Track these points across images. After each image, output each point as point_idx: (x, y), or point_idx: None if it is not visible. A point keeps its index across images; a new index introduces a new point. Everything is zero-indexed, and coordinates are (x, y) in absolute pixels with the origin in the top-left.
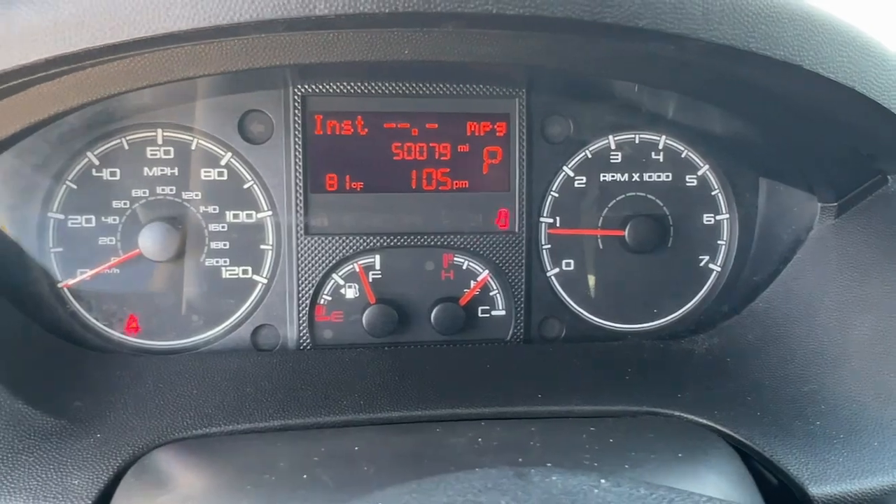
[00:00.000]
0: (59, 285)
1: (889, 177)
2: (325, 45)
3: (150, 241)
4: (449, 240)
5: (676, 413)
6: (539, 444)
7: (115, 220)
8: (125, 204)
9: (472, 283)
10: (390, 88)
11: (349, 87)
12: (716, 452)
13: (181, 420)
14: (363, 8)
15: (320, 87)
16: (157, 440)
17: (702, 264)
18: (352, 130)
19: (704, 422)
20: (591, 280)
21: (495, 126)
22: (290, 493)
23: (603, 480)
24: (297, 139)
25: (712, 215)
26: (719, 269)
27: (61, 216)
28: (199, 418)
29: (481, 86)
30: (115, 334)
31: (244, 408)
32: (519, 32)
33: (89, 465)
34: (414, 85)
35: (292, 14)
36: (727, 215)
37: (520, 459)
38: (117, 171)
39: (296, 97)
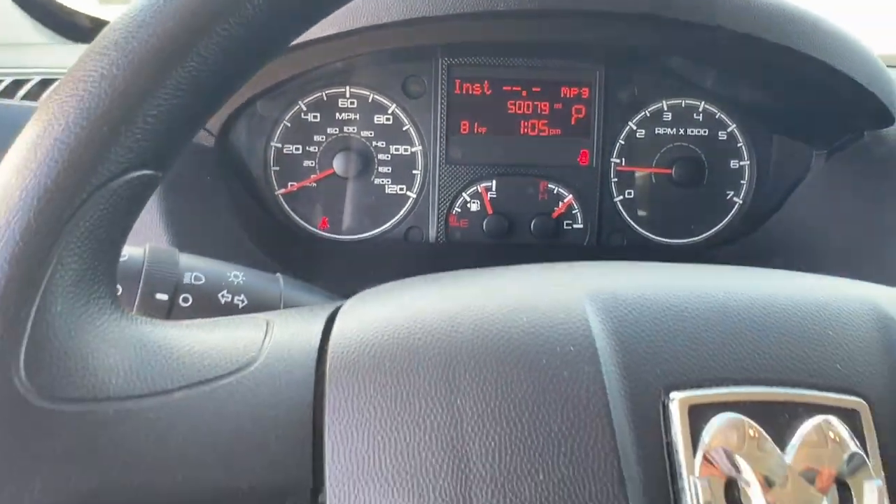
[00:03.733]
0: (276, 193)
1: (865, 132)
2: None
3: (342, 163)
4: (545, 171)
5: None
6: None
7: (314, 149)
8: (322, 138)
9: (560, 204)
10: (508, 62)
11: (480, 60)
12: None
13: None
14: None
15: (460, 60)
16: None
17: (728, 198)
18: (480, 91)
19: None
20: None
21: (581, 90)
22: None
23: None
24: (442, 97)
25: (737, 161)
26: (741, 202)
27: (279, 145)
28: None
29: (573, 60)
30: (313, 229)
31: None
32: None
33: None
34: (525, 59)
35: None
36: (748, 161)
37: None
38: (318, 114)
39: (443, 67)
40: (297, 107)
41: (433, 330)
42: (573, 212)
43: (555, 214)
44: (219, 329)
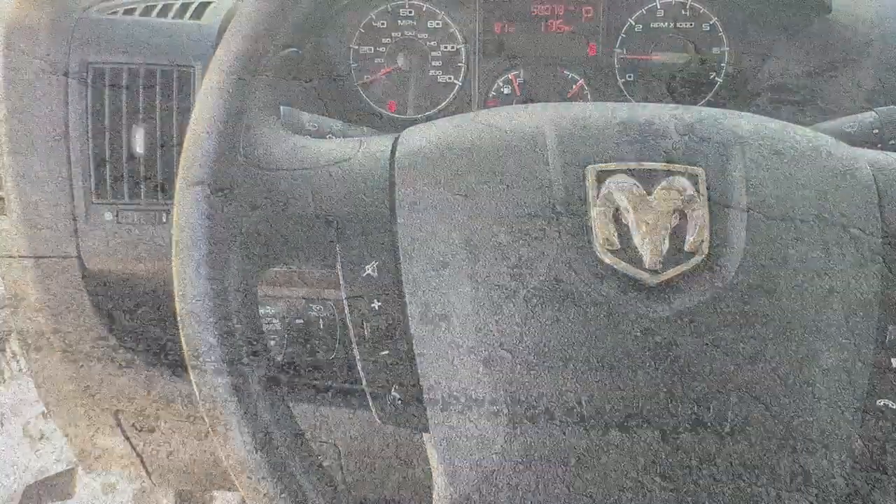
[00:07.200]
0: (356, 84)
1: (815, 20)
2: None
3: (404, 60)
4: (561, 61)
5: None
6: None
7: (383, 49)
8: (388, 40)
9: (573, 87)
10: None
11: None
12: None
13: None
14: None
15: None
16: None
17: (711, 78)
18: None
19: None
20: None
21: None
22: None
23: None
24: (480, 5)
25: (717, 48)
26: (721, 80)
27: (357, 47)
28: None
29: None
30: (384, 111)
31: None
32: None
33: None
34: None
35: None
36: (728, 48)
37: None
38: (385, 22)
39: None
40: (369, 17)
41: (448, 132)
42: (584, 92)
43: (569, 95)
44: (334, 142)
